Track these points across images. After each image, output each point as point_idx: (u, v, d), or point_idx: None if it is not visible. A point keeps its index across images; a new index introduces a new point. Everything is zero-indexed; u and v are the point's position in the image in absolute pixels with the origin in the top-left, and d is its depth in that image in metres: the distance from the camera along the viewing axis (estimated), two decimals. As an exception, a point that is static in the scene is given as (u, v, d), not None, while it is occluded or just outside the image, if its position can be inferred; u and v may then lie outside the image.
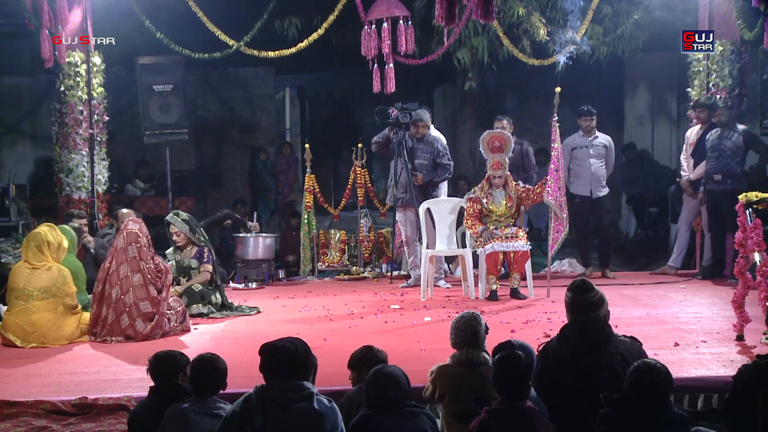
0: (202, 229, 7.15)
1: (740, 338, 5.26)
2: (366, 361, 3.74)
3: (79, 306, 6.05)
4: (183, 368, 3.70)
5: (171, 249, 7.08)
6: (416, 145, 8.15)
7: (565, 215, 7.18)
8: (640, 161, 11.97)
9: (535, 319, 6.24)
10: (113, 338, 5.82)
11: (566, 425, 3.51)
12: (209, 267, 6.89)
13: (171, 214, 7.08)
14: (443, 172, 8.22)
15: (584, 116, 8.40)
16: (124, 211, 7.79)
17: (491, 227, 7.26)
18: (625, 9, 9.81)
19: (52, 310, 5.76)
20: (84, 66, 8.63)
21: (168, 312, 6.03)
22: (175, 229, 6.93)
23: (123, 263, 5.94)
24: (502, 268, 7.41)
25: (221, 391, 3.56)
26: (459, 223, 7.86)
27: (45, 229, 6.01)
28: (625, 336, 3.82)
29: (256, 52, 9.14)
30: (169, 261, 6.86)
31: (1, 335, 5.82)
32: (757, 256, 5.19)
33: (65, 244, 6.03)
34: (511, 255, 7.19)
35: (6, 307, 5.98)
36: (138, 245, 6.00)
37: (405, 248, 8.47)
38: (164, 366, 3.69)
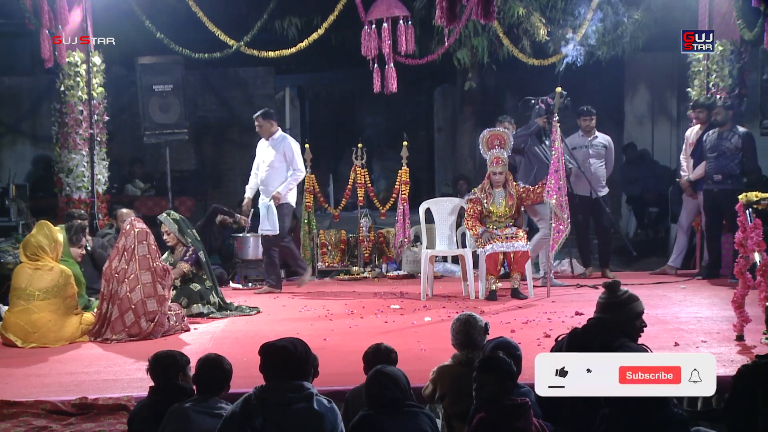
0: (193, 232, 7.14)
1: (740, 338, 5.26)
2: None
3: (80, 307, 6.05)
4: (183, 368, 3.70)
5: (166, 254, 7.13)
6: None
7: (565, 215, 7.18)
8: (640, 161, 11.96)
9: (535, 319, 6.24)
10: (114, 336, 5.82)
11: (569, 422, 3.52)
12: (185, 266, 6.88)
13: (163, 214, 7.17)
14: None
15: (584, 116, 8.40)
16: (124, 210, 7.80)
17: (491, 228, 7.26)
18: (625, 9, 9.81)
19: (53, 310, 5.77)
20: (84, 66, 8.63)
21: (168, 312, 6.08)
22: (165, 228, 7.00)
23: (131, 261, 5.95)
24: (502, 269, 7.41)
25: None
26: (459, 223, 7.87)
27: (34, 234, 5.97)
28: (639, 344, 3.78)
29: (256, 52, 9.14)
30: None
31: (2, 335, 5.82)
32: (757, 256, 5.19)
33: (60, 238, 6.02)
34: (511, 255, 7.19)
35: (7, 308, 5.99)
36: (148, 243, 6.04)
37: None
38: (164, 366, 3.69)
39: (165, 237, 7.03)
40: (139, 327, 5.83)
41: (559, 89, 7.14)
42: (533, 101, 7.90)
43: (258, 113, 8.22)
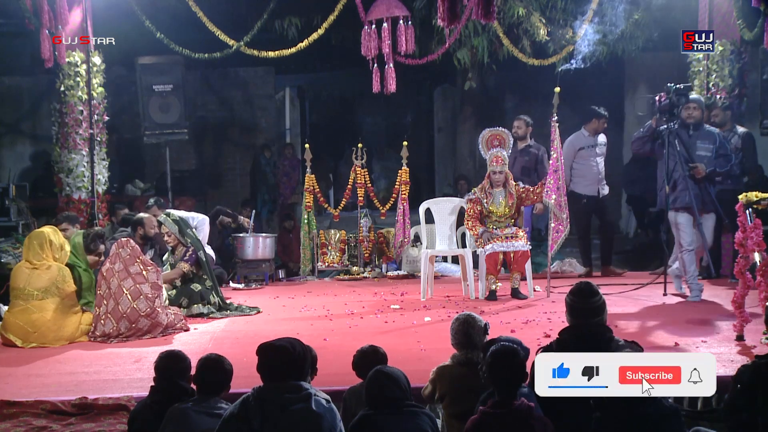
0: (193, 232, 7.18)
1: (740, 338, 5.26)
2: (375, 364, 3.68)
3: (79, 306, 6.06)
4: (187, 371, 3.71)
5: (167, 255, 7.18)
6: (693, 135, 7.02)
7: (565, 215, 7.18)
8: (642, 161, 11.95)
9: (535, 319, 6.24)
10: (115, 323, 5.82)
11: (569, 422, 3.50)
12: (185, 266, 6.92)
13: (162, 215, 7.22)
14: (725, 163, 7.04)
15: (600, 118, 8.36)
16: (122, 211, 7.82)
17: (491, 227, 7.26)
18: (625, 9, 9.82)
19: (52, 309, 5.77)
20: (84, 66, 8.64)
21: (167, 309, 6.13)
22: (165, 228, 7.07)
23: (117, 262, 6.04)
24: (502, 268, 7.41)
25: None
26: (459, 223, 7.87)
27: (48, 230, 6.05)
28: (626, 341, 3.78)
29: (256, 52, 9.15)
30: (164, 266, 6.94)
31: (2, 335, 5.83)
32: (757, 256, 5.19)
33: (67, 247, 6.09)
34: (511, 255, 7.19)
35: (6, 308, 5.99)
36: (129, 247, 6.13)
37: (682, 255, 7.04)
38: (172, 365, 3.70)
39: (166, 238, 7.08)
40: (138, 311, 5.85)
41: (558, 89, 7.14)
42: (652, 99, 7.37)
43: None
